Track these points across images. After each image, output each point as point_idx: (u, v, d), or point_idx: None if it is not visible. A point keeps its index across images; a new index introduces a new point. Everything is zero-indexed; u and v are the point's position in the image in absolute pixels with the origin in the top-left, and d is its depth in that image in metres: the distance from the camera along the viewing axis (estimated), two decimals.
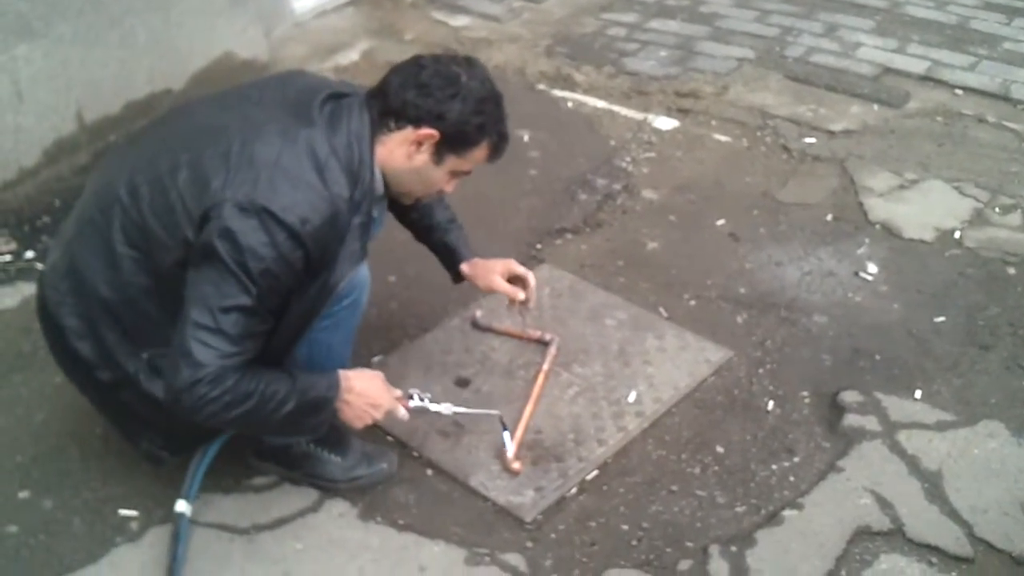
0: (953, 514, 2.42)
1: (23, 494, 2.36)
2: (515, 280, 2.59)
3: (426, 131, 2.05)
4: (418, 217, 2.57)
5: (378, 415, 2.19)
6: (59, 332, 2.12)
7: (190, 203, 1.92)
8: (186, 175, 1.95)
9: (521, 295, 2.58)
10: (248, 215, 1.87)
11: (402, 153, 2.09)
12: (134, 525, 2.30)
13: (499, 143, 2.16)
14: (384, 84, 2.09)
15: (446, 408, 2.39)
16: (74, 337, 2.10)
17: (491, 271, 2.58)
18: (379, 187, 2.11)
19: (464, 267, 2.60)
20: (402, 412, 2.25)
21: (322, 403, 2.09)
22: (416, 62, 2.10)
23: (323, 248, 1.96)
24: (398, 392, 2.26)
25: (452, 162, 2.12)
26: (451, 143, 2.08)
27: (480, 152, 2.14)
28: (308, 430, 2.27)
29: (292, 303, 2.00)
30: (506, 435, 2.49)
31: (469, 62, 2.12)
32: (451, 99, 2.04)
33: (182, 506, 2.19)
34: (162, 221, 1.96)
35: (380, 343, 2.90)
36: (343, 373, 2.13)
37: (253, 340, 1.95)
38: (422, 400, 2.33)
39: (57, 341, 2.15)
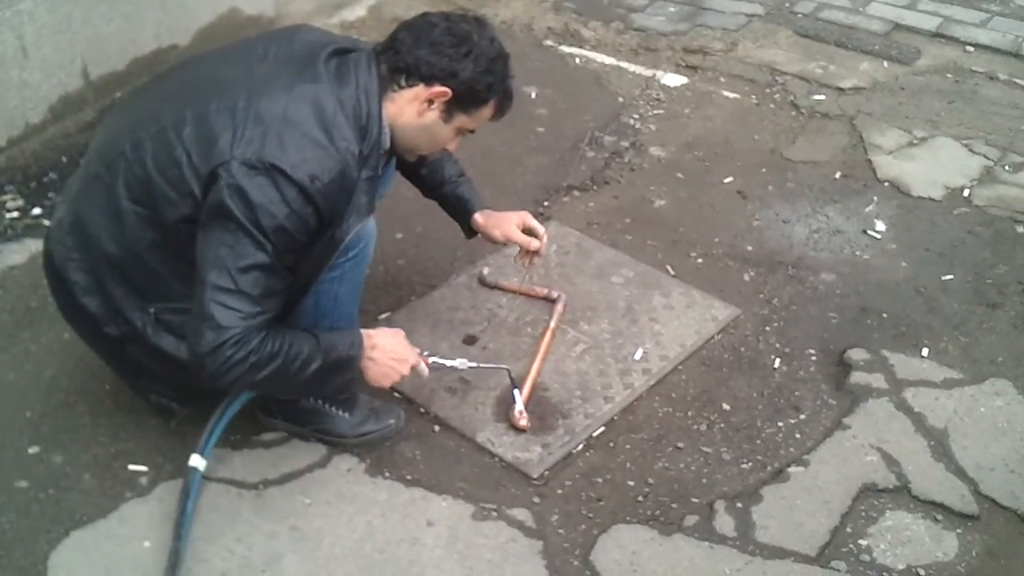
0: (959, 472, 2.43)
1: (33, 449, 2.37)
2: (528, 233, 2.59)
3: (438, 88, 2.05)
4: (428, 173, 2.56)
5: (404, 371, 2.19)
6: (66, 288, 2.12)
7: (196, 159, 1.91)
8: (191, 130, 1.94)
9: (535, 243, 2.58)
10: (257, 172, 1.86)
11: (412, 110, 2.09)
12: (143, 480, 2.31)
13: (504, 102, 2.18)
14: (394, 41, 2.09)
15: (460, 363, 2.40)
16: (81, 292, 2.10)
17: (507, 220, 2.58)
18: (386, 142, 2.11)
19: (478, 216, 2.59)
20: (424, 368, 2.26)
21: (346, 361, 2.08)
22: (426, 19, 2.10)
23: (333, 204, 1.95)
24: (417, 350, 2.27)
25: (460, 120, 2.13)
26: (461, 101, 2.09)
27: (487, 111, 2.16)
28: (334, 390, 2.29)
29: (301, 257, 1.99)
30: (516, 392, 2.50)
31: (478, 21, 2.13)
32: (464, 58, 2.05)
33: (196, 461, 2.19)
34: (166, 176, 1.95)
35: (387, 300, 2.90)
36: (365, 332, 2.14)
37: (274, 298, 1.95)
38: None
39: (64, 297, 2.15)
